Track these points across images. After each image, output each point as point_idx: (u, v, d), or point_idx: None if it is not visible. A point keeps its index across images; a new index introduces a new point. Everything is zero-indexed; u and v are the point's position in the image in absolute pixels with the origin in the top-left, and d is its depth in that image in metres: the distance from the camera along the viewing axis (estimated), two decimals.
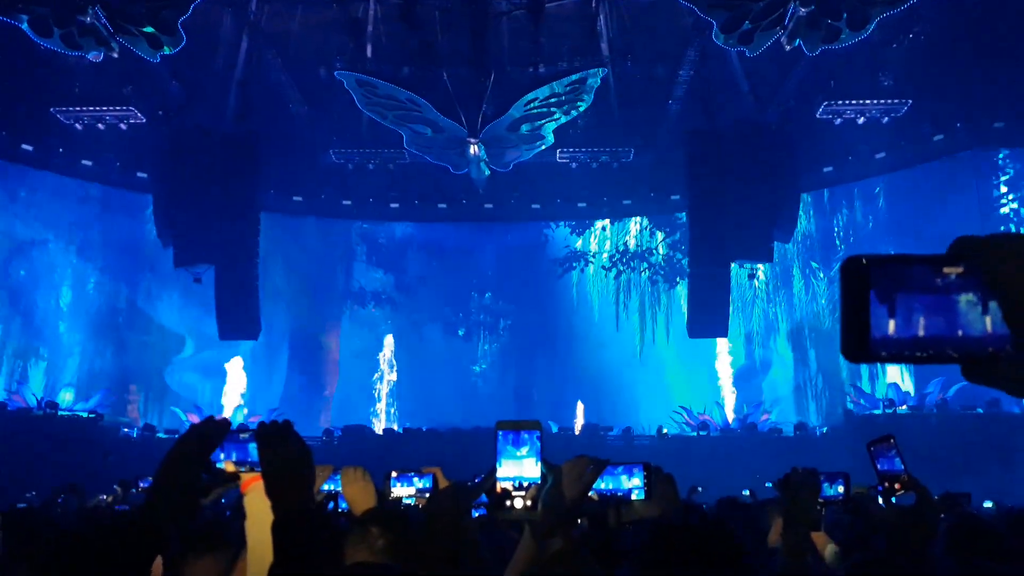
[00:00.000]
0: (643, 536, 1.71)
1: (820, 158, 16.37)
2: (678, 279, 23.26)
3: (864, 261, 0.63)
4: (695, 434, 16.95)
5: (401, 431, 17.25)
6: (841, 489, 2.87)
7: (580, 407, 19.99)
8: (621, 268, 24.66)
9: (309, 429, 17.75)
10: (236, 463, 1.67)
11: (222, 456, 1.68)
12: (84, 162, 16.57)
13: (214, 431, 1.58)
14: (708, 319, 15.97)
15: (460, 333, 25.73)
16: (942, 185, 19.65)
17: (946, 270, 0.61)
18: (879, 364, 0.65)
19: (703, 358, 22.47)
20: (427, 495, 2.26)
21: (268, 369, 23.67)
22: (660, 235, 23.92)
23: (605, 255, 24.81)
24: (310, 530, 1.51)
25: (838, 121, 14.69)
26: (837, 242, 23.30)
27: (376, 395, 21.21)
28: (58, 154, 16.21)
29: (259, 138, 15.58)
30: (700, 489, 7.58)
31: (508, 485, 1.68)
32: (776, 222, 15.63)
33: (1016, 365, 0.59)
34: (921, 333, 0.61)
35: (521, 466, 1.70)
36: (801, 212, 21.90)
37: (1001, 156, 20.52)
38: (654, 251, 24.21)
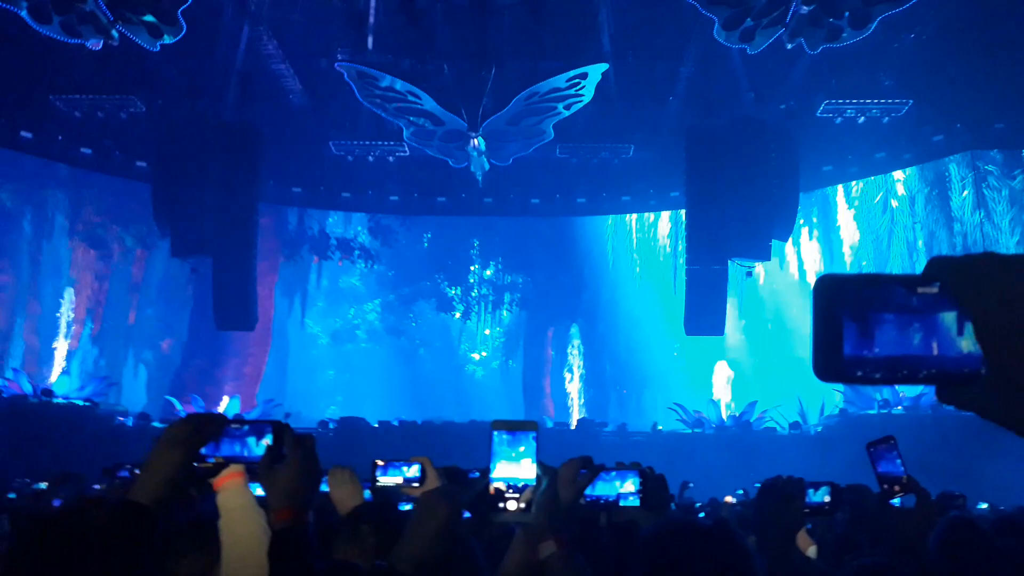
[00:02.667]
0: (643, 539, 1.68)
1: (820, 157, 16.36)
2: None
3: (837, 279, 0.62)
4: (690, 431, 16.96)
5: (397, 424, 17.23)
6: (827, 498, 2.85)
7: (576, 401, 20.05)
8: None
9: (306, 420, 17.77)
10: (227, 458, 1.63)
11: (220, 452, 1.64)
12: (83, 150, 16.52)
13: (210, 424, 1.56)
14: (705, 317, 15.96)
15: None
16: None
17: (920, 290, 0.61)
18: (867, 382, 0.63)
19: (700, 355, 22.47)
20: (415, 484, 2.25)
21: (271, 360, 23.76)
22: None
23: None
24: (308, 547, 1.50)
25: (838, 120, 14.66)
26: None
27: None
28: (57, 142, 16.16)
29: (259, 129, 15.53)
30: (691, 485, 7.57)
31: (502, 486, 1.66)
32: (775, 220, 15.61)
33: (988, 387, 0.59)
34: (894, 353, 0.60)
35: (517, 467, 1.68)
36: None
37: None
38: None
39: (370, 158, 16.76)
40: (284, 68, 14.70)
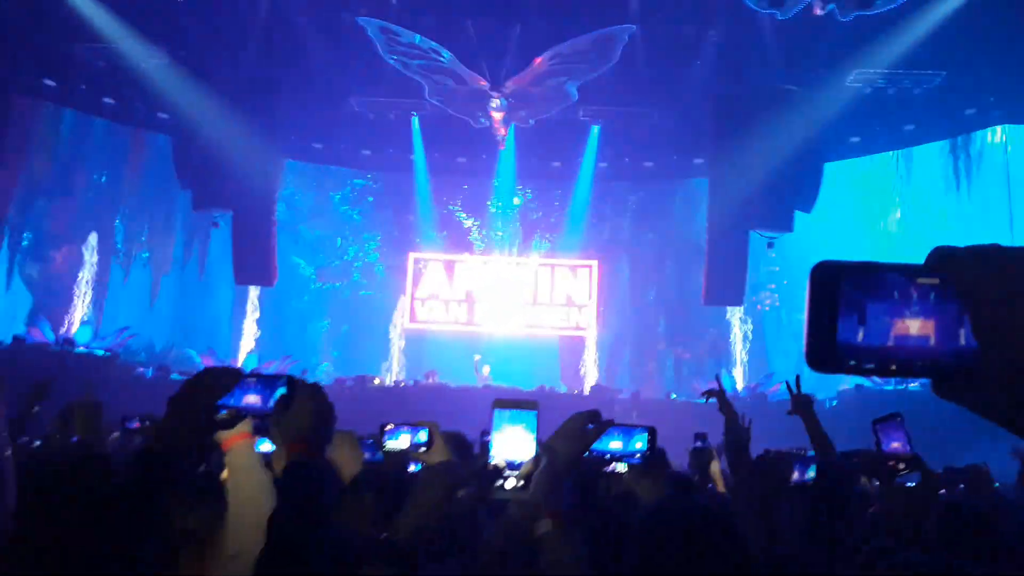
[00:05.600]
0: (641, 520, 1.66)
1: (847, 128, 16.06)
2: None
3: (835, 267, 0.60)
4: (703, 400, 16.95)
5: (412, 383, 17.37)
6: (811, 474, 2.84)
7: (592, 367, 20.05)
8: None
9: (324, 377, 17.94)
10: (241, 409, 1.62)
11: (231, 402, 1.65)
12: (106, 100, 16.55)
13: (226, 377, 1.57)
14: (725, 287, 15.87)
15: None
16: None
17: (921, 281, 0.59)
18: (860, 372, 0.61)
19: (714, 325, 22.36)
20: (422, 450, 2.25)
21: (287, 316, 23.80)
22: None
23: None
24: (319, 481, 1.52)
25: (868, 90, 14.37)
26: None
27: (389, 346, 21.26)
28: (80, 91, 16.19)
29: (280, 83, 15.47)
30: (707, 438, 7.32)
31: (501, 463, 1.66)
32: (799, 191, 15.42)
33: (983, 383, 0.57)
34: (890, 344, 0.59)
35: (517, 445, 1.68)
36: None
37: None
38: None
39: (391, 116, 16.68)
40: (306, 20, 14.56)
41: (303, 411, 1.60)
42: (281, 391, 1.60)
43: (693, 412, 16.40)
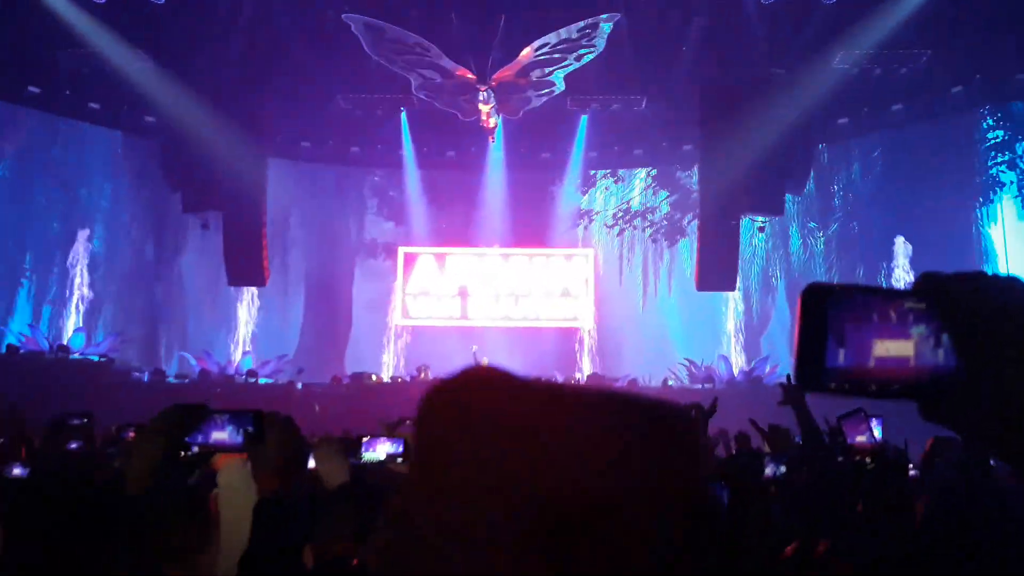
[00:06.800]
0: None
1: (836, 109, 16.08)
2: (678, 237, 23.86)
3: (825, 289, 0.61)
4: (700, 386, 16.98)
5: (409, 379, 17.37)
6: (784, 469, 2.92)
7: (586, 358, 20.10)
8: (623, 226, 24.77)
9: (322, 376, 17.92)
10: (211, 445, 1.67)
11: (199, 439, 1.68)
12: (92, 105, 16.45)
13: (193, 415, 1.59)
14: (717, 273, 15.89)
15: None
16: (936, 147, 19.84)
17: (908, 305, 0.61)
18: (841, 394, 0.62)
19: (706, 313, 22.48)
20: (399, 460, 2.26)
21: (283, 316, 23.82)
22: (664, 194, 24.02)
23: (610, 211, 24.89)
24: (289, 516, 1.54)
25: (855, 71, 14.37)
26: (835, 202, 23.43)
27: (386, 345, 21.25)
28: (65, 97, 16.08)
29: (265, 82, 15.40)
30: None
31: None
32: (790, 174, 15.44)
33: (970, 406, 0.58)
34: (879, 367, 0.60)
35: None
36: None
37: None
38: (656, 210, 24.28)
39: (379, 112, 16.62)
40: (290, 20, 14.49)
41: (273, 447, 1.62)
42: (249, 426, 1.63)
43: (691, 398, 16.39)
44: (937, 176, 20.52)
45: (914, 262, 20.24)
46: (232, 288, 19.99)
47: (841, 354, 0.60)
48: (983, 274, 0.60)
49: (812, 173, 21.70)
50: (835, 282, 0.63)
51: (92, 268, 20.92)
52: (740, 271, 17.09)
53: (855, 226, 23.00)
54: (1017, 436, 0.56)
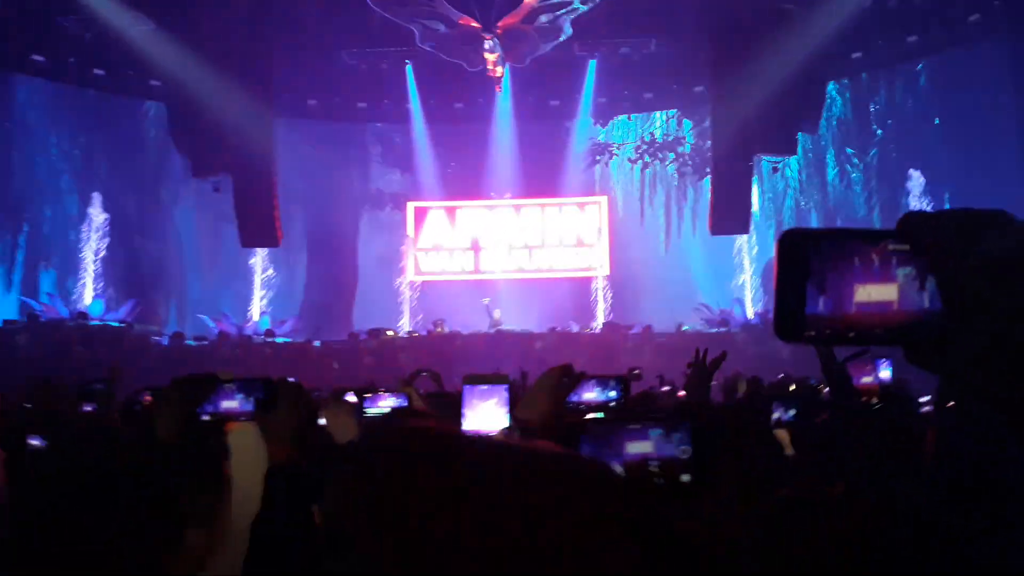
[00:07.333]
0: None
1: (849, 44, 15.73)
2: (707, 169, 20.65)
3: (803, 234, 0.59)
4: (715, 330, 16.98)
5: (425, 334, 17.47)
6: (792, 412, 2.93)
7: (600, 306, 20.04)
8: (647, 160, 23.35)
9: (332, 333, 18.04)
10: (222, 414, 1.70)
11: (209, 409, 1.72)
12: (96, 71, 16.37)
13: (200, 385, 1.61)
14: (730, 216, 15.78)
15: None
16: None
17: (891, 247, 0.58)
18: (819, 341, 0.60)
19: (729, 254, 22.05)
20: None
21: (289, 274, 23.71)
22: (689, 124, 22.59)
23: (630, 145, 23.39)
24: (300, 482, 1.57)
25: (868, 2, 14.03)
26: (874, 126, 21.81)
27: (400, 301, 21.25)
28: (69, 64, 16.00)
29: (270, 40, 15.26)
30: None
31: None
32: (803, 113, 15.21)
33: (955, 350, 0.56)
34: (861, 313, 0.58)
35: (489, 419, 1.69)
36: (836, 96, 21.14)
37: None
38: (683, 140, 22.88)
39: (384, 65, 16.46)
40: None
41: (281, 416, 1.64)
42: (259, 393, 1.64)
43: (706, 342, 16.37)
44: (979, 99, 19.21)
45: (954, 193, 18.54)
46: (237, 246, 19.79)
47: (821, 302, 0.58)
48: (968, 212, 0.57)
49: (848, 96, 21.06)
50: (813, 227, 0.61)
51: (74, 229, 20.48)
52: (772, 205, 16.81)
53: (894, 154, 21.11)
54: (1001, 383, 0.53)
